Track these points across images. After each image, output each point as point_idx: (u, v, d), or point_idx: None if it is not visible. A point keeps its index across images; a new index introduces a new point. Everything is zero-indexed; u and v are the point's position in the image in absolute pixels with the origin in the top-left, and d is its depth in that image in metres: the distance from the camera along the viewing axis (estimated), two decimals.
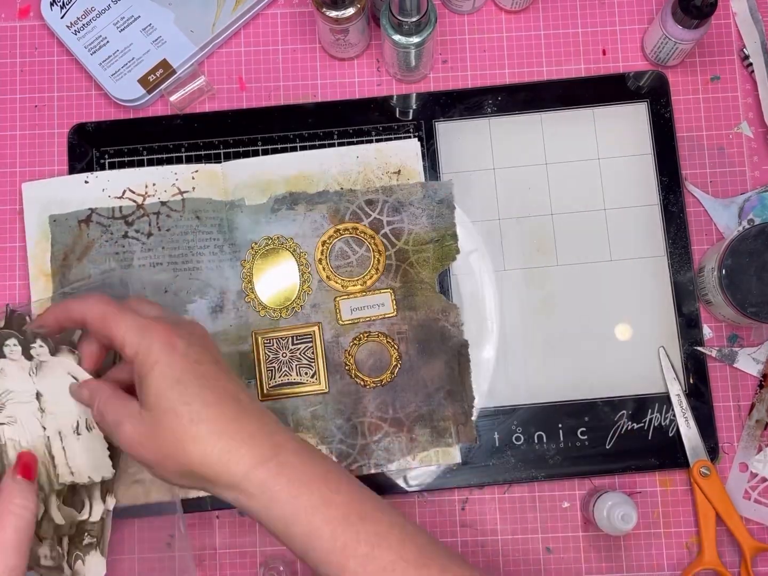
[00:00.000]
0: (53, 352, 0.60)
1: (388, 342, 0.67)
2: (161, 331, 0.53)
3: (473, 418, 0.67)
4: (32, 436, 0.61)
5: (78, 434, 0.61)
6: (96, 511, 0.63)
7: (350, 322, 0.67)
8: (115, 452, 0.62)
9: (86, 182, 0.68)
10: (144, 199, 0.68)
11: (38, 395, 0.61)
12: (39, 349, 0.60)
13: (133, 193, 0.68)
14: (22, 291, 0.70)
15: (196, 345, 0.54)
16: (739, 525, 0.65)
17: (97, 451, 0.61)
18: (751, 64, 0.71)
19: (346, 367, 0.67)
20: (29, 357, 0.61)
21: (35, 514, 0.52)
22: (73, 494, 0.62)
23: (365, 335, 0.67)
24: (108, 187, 0.68)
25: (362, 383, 0.67)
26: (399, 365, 0.67)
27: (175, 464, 0.51)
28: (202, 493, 0.65)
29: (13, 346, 0.61)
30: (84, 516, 0.62)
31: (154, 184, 0.68)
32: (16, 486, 0.52)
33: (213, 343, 0.56)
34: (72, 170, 0.70)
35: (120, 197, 0.68)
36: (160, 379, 0.51)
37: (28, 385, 0.61)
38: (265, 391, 0.67)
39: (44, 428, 0.61)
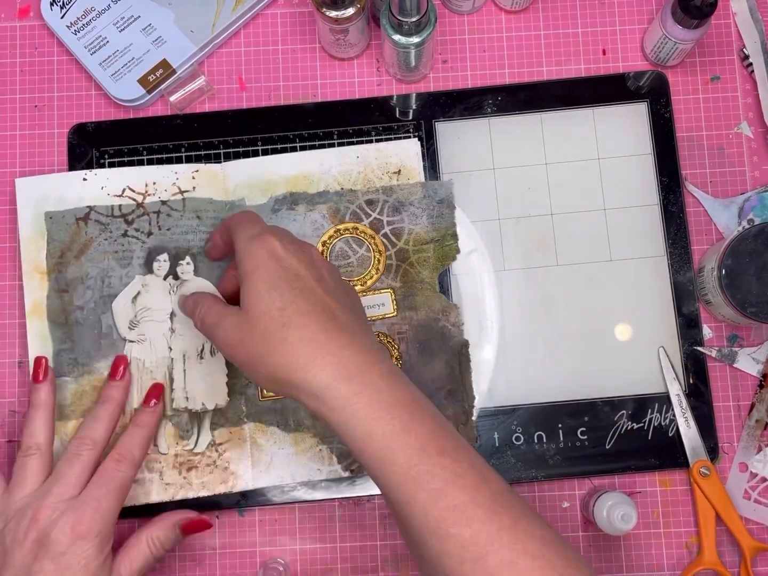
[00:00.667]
0: (197, 272, 0.65)
1: (388, 342, 0.67)
2: (269, 240, 0.55)
3: (473, 417, 0.67)
4: (157, 357, 0.65)
5: (201, 358, 0.65)
6: (202, 441, 0.65)
7: None
8: (232, 380, 0.65)
9: (84, 179, 0.68)
10: (144, 198, 0.68)
11: (172, 314, 0.65)
12: (186, 266, 0.65)
13: (133, 191, 0.68)
14: (11, 291, 0.69)
15: (303, 261, 0.55)
16: (739, 525, 0.65)
17: (215, 377, 0.65)
18: (751, 64, 0.71)
19: None
20: (175, 275, 0.65)
21: None
22: (184, 422, 0.65)
23: None
24: (107, 185, 0.68)
25: None
26: (399, 365, 0.67)
27: (265, 367, 0.53)
28: (201, 493, 0.65)
29: (163, 262, 0.66)
30: (189, 446, 0.63)
31: (154, 183, 0.68)
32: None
33: (324, 262, 0.58)
34: (72, 170, 0.70)
35: (120, 195, 0.68)
36: (258, 283, 0.54)
37: (165, 303, 0.66)
38: (265, 391, 0.67)
39: (170, 349, 0.66)
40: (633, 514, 0.62)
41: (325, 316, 0.53)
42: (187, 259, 0.67)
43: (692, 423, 0.66)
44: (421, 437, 0.50)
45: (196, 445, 0.65)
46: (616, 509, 0.62)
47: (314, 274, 0.55)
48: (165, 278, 0.67)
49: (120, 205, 0.68)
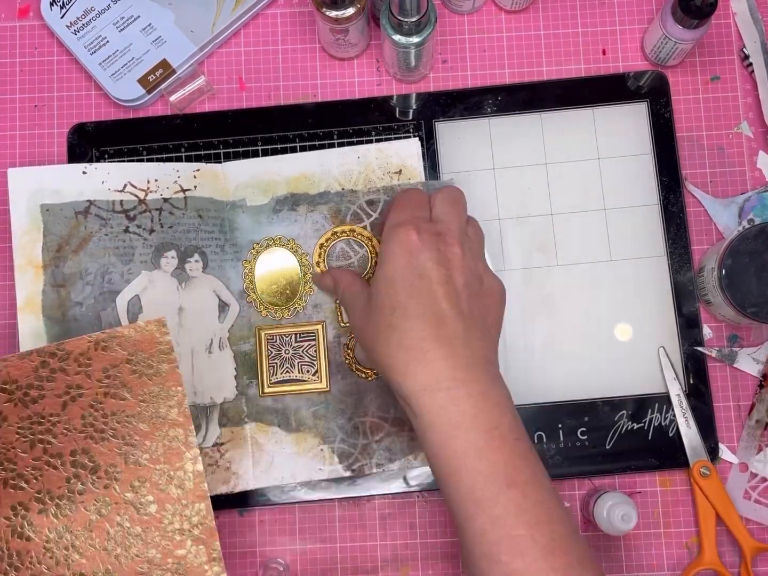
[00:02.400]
0: (205, 268, 0.65)
1: None
2: (408, 230, 0.56)
3: None
4: None
5: (210, 353, 0.65)
6: (210, 436, 0.65)
7: None
8: (239, 374, 0.66)
9: (84, 173, 0.67)
10: (146, 195, 0.68)
11: (180, 310, 0.65)
12: (194, 264, 0.65)
13: (135, 187, 0.68)
14: (11, 291, 0.68)
15: (434, 258, 0.55)
16: (739, 525, 0.65)
17: (224, 370, 0.65)
18: (751, 64, 0.71)
19: (346, 361, 0.67)
20: (183, 270, 0.66)
21: None
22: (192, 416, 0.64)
23: None
24: (108, 180, 0.67)
25: (363, 376, 0.67)
26: None
27: (373, 355, 0.56)
28: None
29: (171, 258, 0.66)
30: (198, 440, 0.64)
31: (156, 180, 0.68)
32: None
33: (465, 259, 0.56)
34: None
35: (121, 191, 0.67)
36: (383, 274, 0.56)
37: (173, 299, 0.66)
38: (266, 387, 0.67)
39: (177, 344, 0.65)
40: (633, 514, 0.62)
41: (432, 323, 0.53)
42: (196, 256, 0.67)
43: (692, 423, 0.66)
44: (493, 465, 0.50)
45: (204, 439, 0.65)
46: (616, 509, 0.62)
47: (441, 275, 0.54)
48: (172, 274, 0.67)
49: (121, 201, 0.67)
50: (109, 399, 0.58)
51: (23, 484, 0.57)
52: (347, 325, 0.68)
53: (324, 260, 0.68)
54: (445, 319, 0.53)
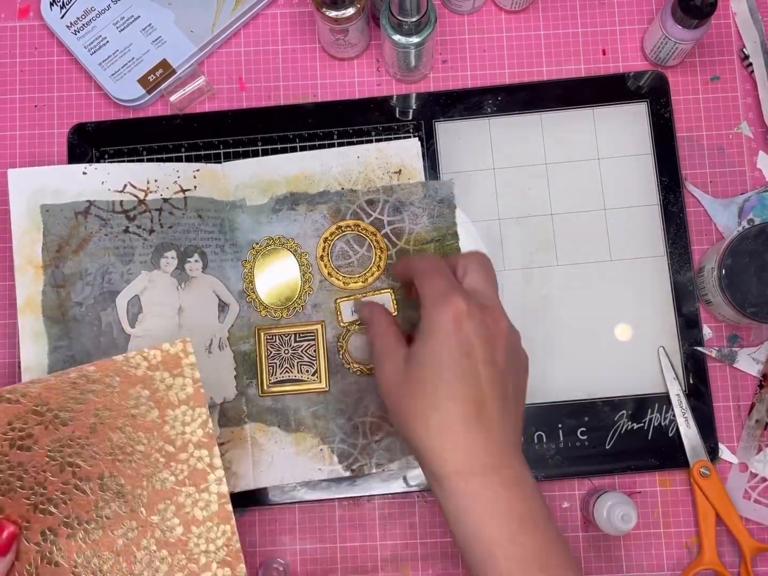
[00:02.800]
0: (205, 268, 0.65)
1: None
2: (457, 302, 0.53)
3: None
4: None
5: (209, 353, 0.65)
6: None
7: (351, 323, 0.67)
8: (239, 374, 0.66)
9: (84, 173, 0.67)
10: (146, 195, 0.68)
11: (180, 310, 0.65)
12: (194, 264, 0.65)
13: (135, 187, 0.68)
14: (11, 291, 0.68)
15: (481, 335, 0.53)
16: (739, 525, 0.65)
17: (224, 371, 0.65)
18: (750, 64, 0.71)
19: (340, 359, 0.67)
20: (183, 271, 0.65)
21: None
22: None
23: (358, 324, 0.67)
24: (107, 180, 0.67)
25: (357, 371, 0.67)
26: None
27: (402, 425, 0.53)
28: None
29: (170, 258, 0.65)
30: None
31: (156, 180, 0.68)
32: None
33: (504, 336, 0.55)
34: None
35: (121, 191, 0.67)
36: (428, 350, 0.53)
37: (173, 299, 0.65)
38: (265, 388, 0.67)
39: None
40: (633, 514, 0.62)
41: (473, 407, 0.52)
42: (195, 256, 0.67)
43: (692, 423, 0.66)
44: (526, 550, 0.50)
45: None
46: (616, 509, 0.62)
47: (487, 354, 0.53)
48: (172, 275, 0.67)
49: (121, 201, 0.67)
50: (136, 420, 0.58)
51: (53, 509, 0.57)
52: (347, 324, 0.67)
53: (328, 255, 0.68)
54: (486, 403, 0.52)
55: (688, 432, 0.66)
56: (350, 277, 0.68)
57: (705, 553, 0.65)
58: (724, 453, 0.68)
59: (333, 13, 0.65)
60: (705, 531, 0.66)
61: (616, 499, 0.63)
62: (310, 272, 0.68)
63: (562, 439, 0.67)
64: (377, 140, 0.71)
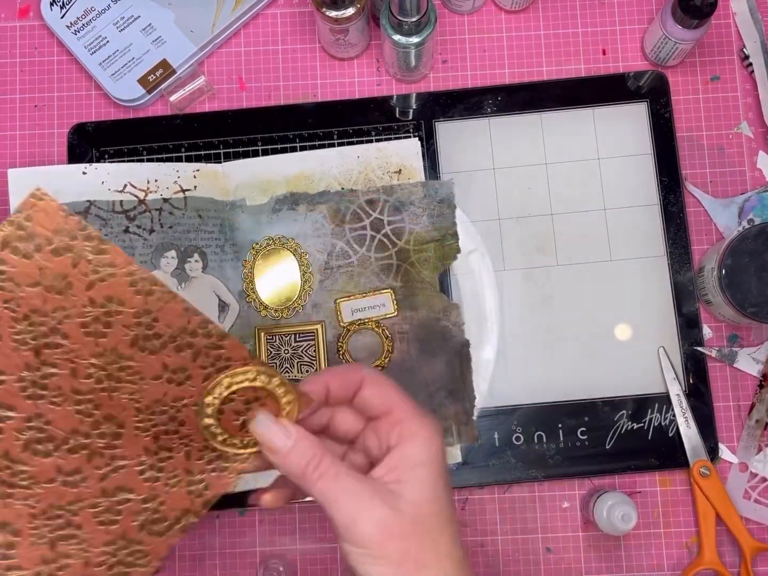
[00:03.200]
0: (205, 268, 0.65)
1: (381, 331, 0.67)
2: (439, 430, 0.45)
3: (474, 417, 0.67)
4: None
5: None
6: None
7: (351, 323, 0.67)
8: None
9: (84, 173, 0.67)
10: (146, 195, 0.68)
11: None
12: (194, 264, 0.65)
13: (135, 187, 0.68)
14: None
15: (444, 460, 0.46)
16: (739, 525, 0.65)
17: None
18: (751, 64, 0.71)
19: (341, 359, 0.67)
20: (183, 271, 0.65)
21: None
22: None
23: (358, 324, 0.67)
24: (107, 180, 0.67)
25: None
26: (391, 351, 0.67)
27: (414, 570, 0.43)
28: None
29: (171, 258, 0.65)
30: None
31: (156, 180, 0.68)
32: None
33: None
34: None
35: (121, 191, 0.67)
36: (430, 478, 0.44)
37: None
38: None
39: None
40: (633, 514, 0.62)
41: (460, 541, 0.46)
42: (195, 256, 0.67)
43: (692, 423, 0.66)
44: None
45: None
46: (616, 509, 0.62)
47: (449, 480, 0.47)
48: (172, 274, 0.67)
49: (121, 201, 0.67)
50: None
51: None
52: (347, 324, 0.67)
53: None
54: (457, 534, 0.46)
55: (689, 432, 0.66)
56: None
57: (705, 553, 0.65)
58: (725, 453, 0.67)
59: (333, 13, 0.65)
60: (705, 531, 0.66)
61: (616, 499, 0.63)
62: (310, 272, 0.68)
63: (562, 439, 0.67)
64: (377, 140, 0.71)
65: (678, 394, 0.67)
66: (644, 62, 0.73)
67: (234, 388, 0.43)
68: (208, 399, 0.43)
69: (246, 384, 0.43)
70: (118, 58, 0.71)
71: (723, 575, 0.65)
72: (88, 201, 0.67)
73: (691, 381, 0.68)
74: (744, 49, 0.72)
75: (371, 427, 0.46)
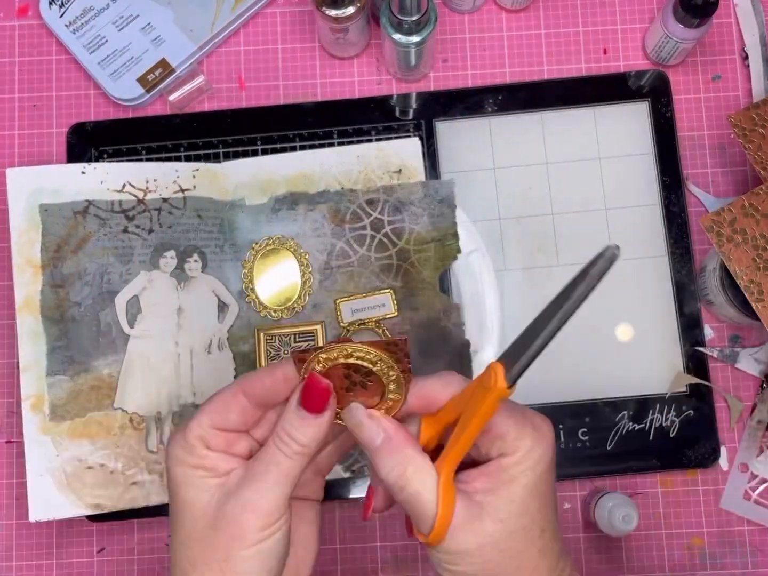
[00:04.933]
0: (204, 268, 0.65)
1: (382, 332, 0.67)
2: (549, 431, 0.43)
3: None
4: (163, 352, 0.64)
5: (209, 353, 0.65)
6: None
7: (351, 323, 0.67)
8: (239, 374, 0.65)
9: (83, 173, 0.67)
10: (145, 195, 0.68)
11: (179, 310, 0.65)
12: (193, 264, 0.65)
13: (134, 187, 0.68)
14: (9, 291, 0.68)
15: (554, 458, 0.43)
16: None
17: (223, 371, 0.64)
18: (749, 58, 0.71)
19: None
20: (182, 271, 0.65)
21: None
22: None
23: (358, 324, 0.67)
24: (106, 180, 0.67)
25: None
26: None
27: None
28: None
29: (170, 258, 0.65)
30: None
31: (155, 180, 0.68)
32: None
33: None
34: None
35: (120, 191, 0.67)
36: (522, 494, 0.41)
37: (172, 299, 0.65)
38: None
39: (177, 344, 0.65)
40: (634, 515, 0.62)
41: (562, 538, 0.44)
42: (195, 256, 0.67)
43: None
44: None
45: None
46: (617, 510, 0.62)
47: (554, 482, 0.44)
48: (171, 275, 0.66)
49: (120, 201, 0.67)
50: None
51: None
52: (347, 325, 0.67)
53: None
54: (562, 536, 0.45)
55: None
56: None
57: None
58: (722, 459, 0.67)
59: (333, 12, 0.65)
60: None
61: (618, 500, 0.63)
62: (309, 272, 0.68)
63: (563, 439, 0.67)
64: (377, 140, 0.71)
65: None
66: (645, 61, 0.72)
67: (330, 364, 0.42)
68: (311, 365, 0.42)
69: (341, 360, 0.42)
70: (117, 58, 0.71)
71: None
72: (86, 201, 0.67)
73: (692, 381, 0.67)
74: (745, 48, 0.72)
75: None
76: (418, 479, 0.41)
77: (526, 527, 0.41)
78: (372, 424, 0.43)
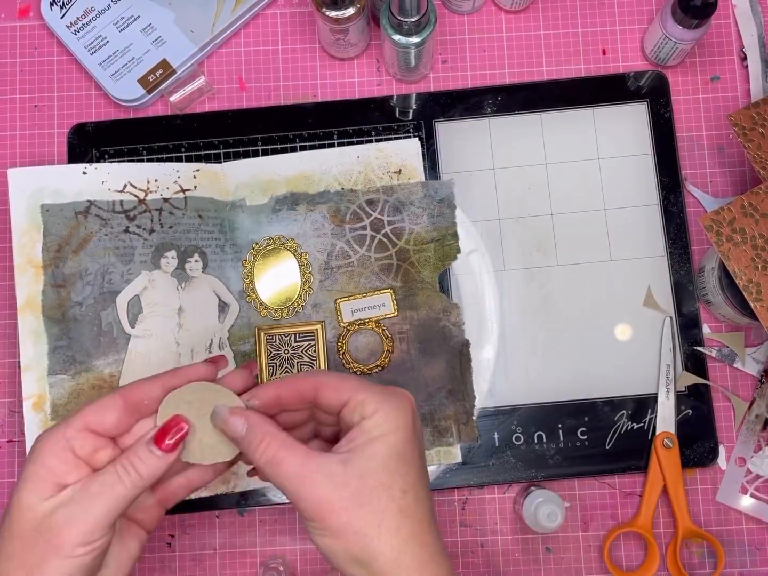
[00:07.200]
0: (205, 268, 0.65)
1: (381, 331, 0.67)
2: (411, 397, 0.48)
3: (474, 417, 0.67)
4: (164, 352, 0.64)
5: (210, 353, 0.65)
6: None
7: (351, 323, 0.67)
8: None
9: (84, 173, 0.67)
10: (146, 195, 0.68)
11: (180, 310, 0.65)
12: (194, 264, 0.65)
13: (135, 187, 0.68)
14: (11, 291, 0.68)
15: (419, 430, 0.48)
16: (683, 504, 0.65)
17: (224, 371, 0.63)
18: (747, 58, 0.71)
19: (341, 359, 0.67)
20: (183, 270, 0.65)
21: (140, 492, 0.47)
22: None
23: (358, 324, 0.67)
24: (108, 180, 0.67)
25: (358, 372, 0.67)
26: (391, 351, 0.67)
27: (352, 541, 0.45)
28: (203, 494, 0.65)
29: (171, 258, 0.66)
30: None
31: (156, 180, 0.68)
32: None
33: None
34: None
35: (121, 191, 0.67)
36: (391, 448, 0.46)
37: (173, 299, 0.66)
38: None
39: (178, 344, 0.65)
40: (559, 514, 0.62)
41: (429, 508, 0.47)
42: (196, 256, 0.67)
43: (672, 396, 0.66)
44: None
45: None
46: (543, 507, 0.62)
47: (421, 449, 0.49)
48: (172, 275, 0.67)
49: (121, 201, 0.67)
50: None
51: None
52: (347, 324, 0.67)
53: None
54: (432, 505, 0.48)
55: (666, 402, 0.66)
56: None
57: (640, 517, 0.65)
58: (720, 458, 0.67)
59: (333, 13, 0.65)
60: (648, 498, 0.65)
61: (545, 497, 0.63)
62: (309, 272, 0.68)
63: (562, 439, 0.67)
64: (377, 140, 0.71)
65: (669, 365, 0.67)
66: (644, 62, 0.73)
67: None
68: None
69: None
70: (118, 58, 0.71)
71: (649, 542, 0.65)
72: (88, 201, 0.67)
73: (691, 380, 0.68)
74: (743, 49, 0.72)
75: (340, 420, 0.48)
76: (289, 458, 0.46)
77: (386, 485, 0.45)
78: (235, 418, 0.48)
